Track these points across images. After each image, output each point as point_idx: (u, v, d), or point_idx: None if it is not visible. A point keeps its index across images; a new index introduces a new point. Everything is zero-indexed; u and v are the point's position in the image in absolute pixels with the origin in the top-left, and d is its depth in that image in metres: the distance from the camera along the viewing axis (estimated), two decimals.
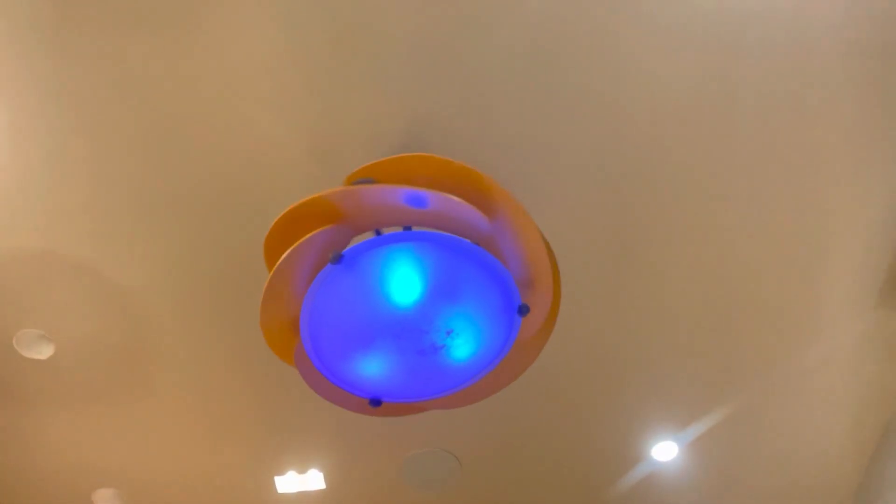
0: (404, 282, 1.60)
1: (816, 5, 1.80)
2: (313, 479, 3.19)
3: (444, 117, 2.04)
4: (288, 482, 3.21)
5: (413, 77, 1.95)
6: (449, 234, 1.62)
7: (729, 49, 1.90)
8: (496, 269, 1.61)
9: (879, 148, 2.10)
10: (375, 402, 1.74)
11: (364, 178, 1.72)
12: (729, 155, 2.13)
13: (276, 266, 1.61)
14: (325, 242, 1.64)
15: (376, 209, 1.63)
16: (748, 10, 1.82)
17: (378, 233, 1.81)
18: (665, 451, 3.05)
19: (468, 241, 1.59)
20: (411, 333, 1.62)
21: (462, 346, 1.64)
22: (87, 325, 2.55)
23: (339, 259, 1.56)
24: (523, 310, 1.63)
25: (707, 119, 2.05)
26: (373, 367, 1.69)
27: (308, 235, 1.60)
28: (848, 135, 2.08)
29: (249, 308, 2.49)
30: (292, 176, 2.17)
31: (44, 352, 2.61)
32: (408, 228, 1.82)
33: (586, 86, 1.98)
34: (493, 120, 2.05)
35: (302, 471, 3.17)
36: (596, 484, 3.24)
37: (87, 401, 2.81)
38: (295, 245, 1.60)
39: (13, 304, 2.47)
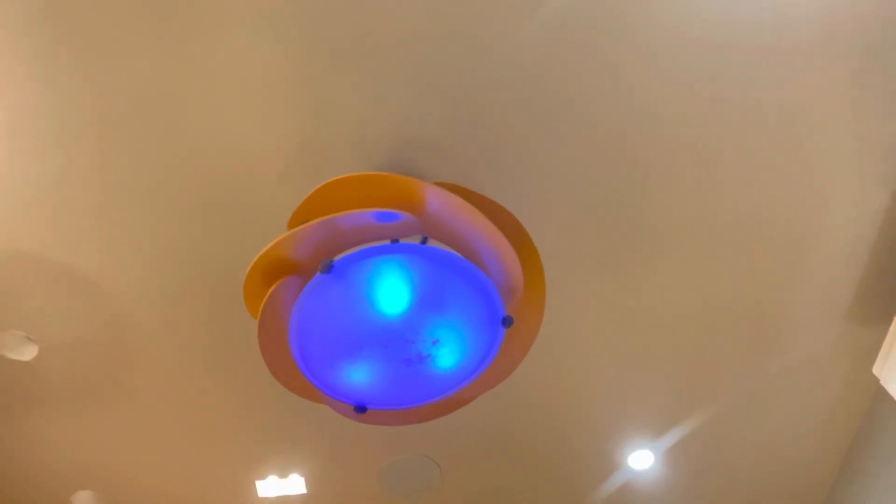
0: (392, 292, 1.63)
1: (800, 9, 1.86)
2: (294, 484, 3.20)
3: (433, 130, 2.08)
4: (269, 486, 3.21)
5: (405, 90, 1.99)
6: (437, 247, 1.66)
7: (720, 61, 1.95)
8: (482, 281, 1.65)
9: (854, 162, 2.17)
10: (361, 408, 1.77)
11: (300, 221, 1.77)
12: (710, 174, 2.20)
13: (337, 213, 1.65)
14: (392, 223, 1.68)
15: (457, 226, 1.70)
16: (735, 21, 1.88)
17: (394, 240, 1.85)
18: (641, 460, 3.10)
19: (456, 253, 1.63)
20: (398, 343, 1.66)
21: (447, 355, 1.68)
22: (71, 327, 2.55)
23: (328, 268, 1.59)
24: (507, 321, 1.68)
25: (691, 140, 2.11)
26: (359, 375, 1.72)
27: (381, 209, 1.66)
28: (823, 149, 2.14)
29: (232, 313, 2.51)
30: (281, 183, 2.19)
31: (27, 354, 2.60)
32: (395, 240, 1.87)
33: (577, 103, 2.03)
34: (483, 134, 2.09)
35: (283, 475, 3.18)
36: (574, 492, 3.28)
37: (70, 403, 2.81)
38: (369, 209, 1.65)
39: None
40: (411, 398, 1.77)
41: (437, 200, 1.64)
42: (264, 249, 1.69)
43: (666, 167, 2.18)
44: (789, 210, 2.28)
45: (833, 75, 1.98)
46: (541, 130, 2.09)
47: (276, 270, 1.73)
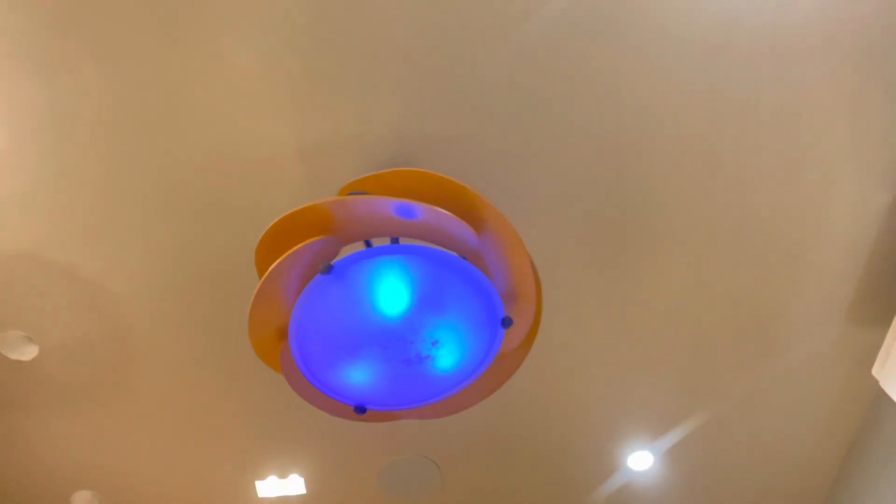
0: (392, 293, 1.64)
1: (800, 9, 1.86)
2: (294, 484, 3.21)
3: (434, 132, 2.08)
4: (269, 487, 3.22)
5: (405, 91, 1.99)
6: (436, 248, 1.66)
7: (719, 61, 1.95)
8: (481, 282, 1.66)
9: (854, 162, 2.17)
10: (360, 409, 1.78)
11: (356, 189, 1.76)
12: (710, 175, 2.20)
13: (264, 276, 1.65)
14: (315, 253, 1.67)
15: (367, 219, 1.68)
16: (735, 21, 1.88)
17: (368, 244, 1.85)
18: (641, 461, 3.10)
19: (454, 254, 1.63)
20: (397, 343, 1.66)
21: (446, 356, 1.69)
22: (71, 327, 2.56)
23: (328, 269, 1.60)
24: (506, 322, 1.68)
25: (690, 141, 2.12)
26: (359, 375, 1.73)
27: (299, 245, 1.64)
28: (823, 149, 2.14)
29: (233, 312, 2.52)
30: (281, 184, 2.20)
31: (27, 353, 2.61)
32: (395, 240, 1.87)
33: (576, 103, 2.04)
34: (482, 135, 2.10)
35: (283, 475, 3.18)
36: (574, 493, 3.29)
37: (70, 402, 2.81)
38: (284, 255, 1.64)
39: None
40: (411, 399, 1.78)
41: (336, 211, 1.67)
42: (249, 328, 1.75)
43: (665, 167, 2.19)
44: (789, 211, 2.29)
45: (833, 75, 1.99)
46: (540, 130, 2.10)
47: (276, 331, 1.77)
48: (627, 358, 2.72)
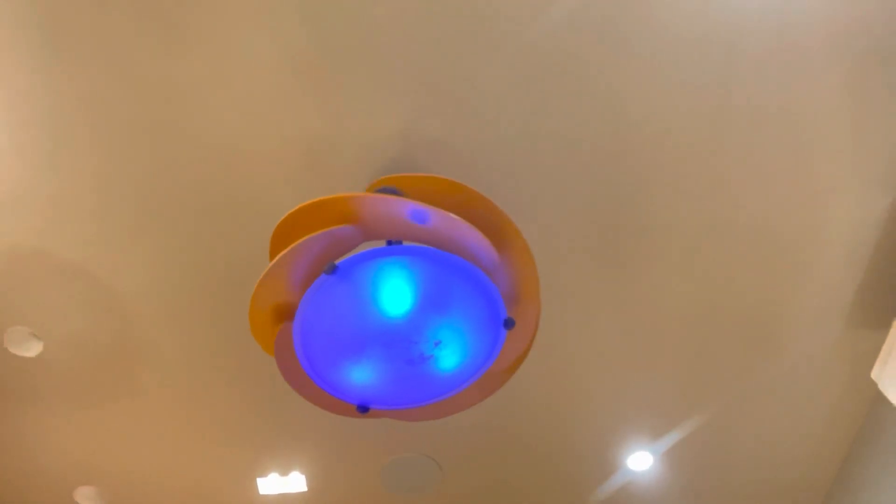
0: (396, 293, 1.65)
1: (803, 13, 1.87)
2: (295, 482, 3.22)
3: (438, 132, 2.09)
4: (270, 484, 3.23)
5: (410, 93, 2.01)
6: (439, 250, 1.67)
7: (723, 65, 1.97)
8: (484, 283, 1.67)
9: (855, 165, 2.18)
10: (363, 408, 1.79)
11: (387, 186, 1.77)
12: (712, 176, 2.21)
13: (277, 257, 1.64)
14: (333, 242, 1.67)
15: (385, 218, 1.69)
16: (738, 25, 1.89)
17: (389, 243, 1.86)
18: (640, 461, 3.12)
19: (460, 256, 1.65)
20: (401, 343, 1.68)
21: (449, 356, 1.70)
22: (76, 324, 2.57)
23: (333, 270, 1.61)
24: (509, 323, 1.69)
25: (693, 143, 2.13)
26: (362, 375, 1.74)
27: (320, 231, 1.64)
28: (824, 152, 2.16)
29: (236, 310, 2.53)
30: (287, 182, 2.21)
31: (32, 349, 2.63)
32: (399, 242, 1.88)
33: (581, 104, 2.05)
34: (487, 134, 2.11)
35: (284, 473, 3.20)
36: (574, 492, 3.30)
37: (73, 399, 2.83)
38: (304, 238, 1.63)
39: (3, 301, 2.49)
40: (413, 398, 1.79)
41: (369, 207, 1.65)
42: (251, 302, 1.71)
43: (667, 169, 2.20)
44: (790, 213, 2.30)
45: (835, 79, 2.00)
46: (545, 131, 2.11)
47: (275, 312, 1.76)
48: (628, 358, 2.73)
